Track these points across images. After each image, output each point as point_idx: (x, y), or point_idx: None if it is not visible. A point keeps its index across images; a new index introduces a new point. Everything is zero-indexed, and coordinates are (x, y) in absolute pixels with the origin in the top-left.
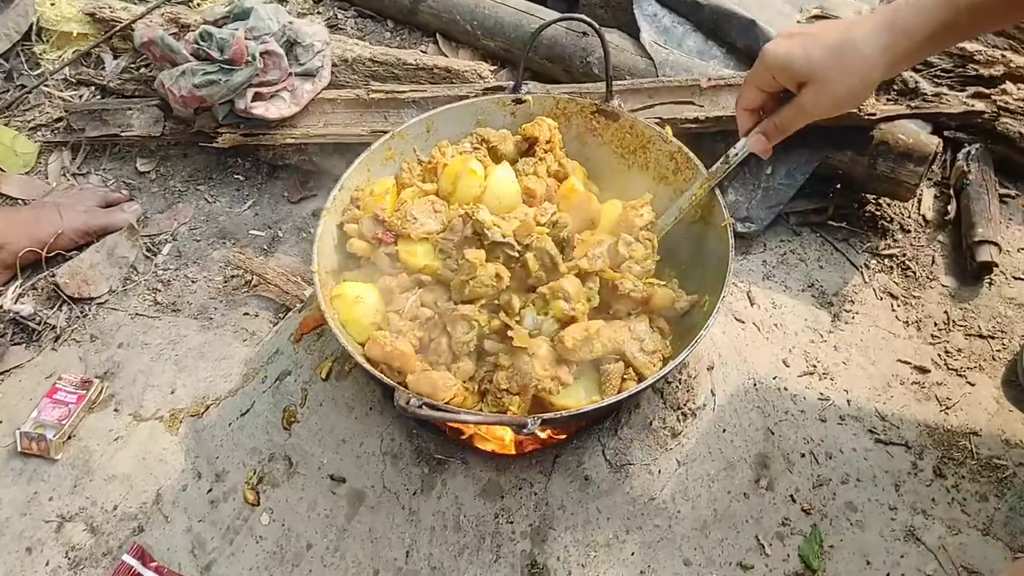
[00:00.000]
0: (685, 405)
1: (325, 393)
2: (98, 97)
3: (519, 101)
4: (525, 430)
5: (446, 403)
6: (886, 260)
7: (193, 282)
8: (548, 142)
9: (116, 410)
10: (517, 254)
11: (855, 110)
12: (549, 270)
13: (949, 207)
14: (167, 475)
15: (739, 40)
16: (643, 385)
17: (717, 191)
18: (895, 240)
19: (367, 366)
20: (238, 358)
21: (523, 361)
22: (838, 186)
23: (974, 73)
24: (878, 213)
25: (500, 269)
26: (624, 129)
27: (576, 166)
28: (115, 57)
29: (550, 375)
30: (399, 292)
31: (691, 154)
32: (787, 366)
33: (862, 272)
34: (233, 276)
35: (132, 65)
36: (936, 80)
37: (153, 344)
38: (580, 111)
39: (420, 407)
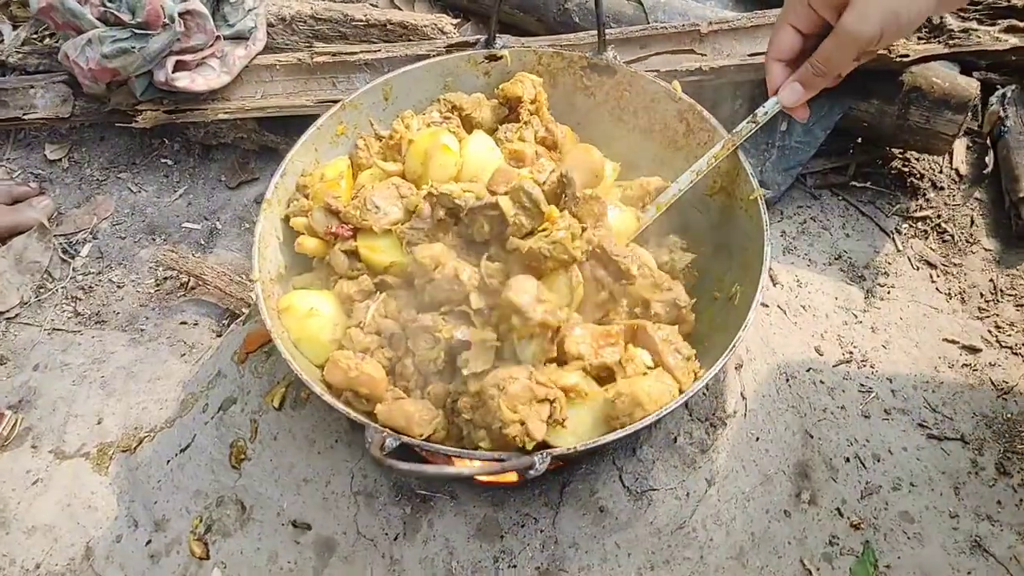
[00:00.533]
0: (714, 414)
1: (279, 424)
2: None
3: (494, 58)
4: (532, 472)
5: (424, 438)
6: (919, 223)
7: (119, 287)
8: (533, 102)
9: (34, 446)
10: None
11: (884, 51)
12: (532, 215)
13: (986, 159)
14: (97, 524)
15: None
16: (684, 398)
17: (742, 156)
18: (927, 200)
19: (328, 397)
20: (175, 378)
21: (488, 395)
22: (859, 141)
23: (1005, 4)
24: (906, 169)
25: (460, 267)
26: (622, 86)
27: (567, 131)
28: (14, 27)
29: (518, 419)
30: (360, 299)
31: (705, 113)
32: (820, 354)
33: (893, 238)
34: (166, 278)
35: (34, 36)
36: (962, 15)
37: (75, 364)
38: (568, 67)
39: (396, 447)
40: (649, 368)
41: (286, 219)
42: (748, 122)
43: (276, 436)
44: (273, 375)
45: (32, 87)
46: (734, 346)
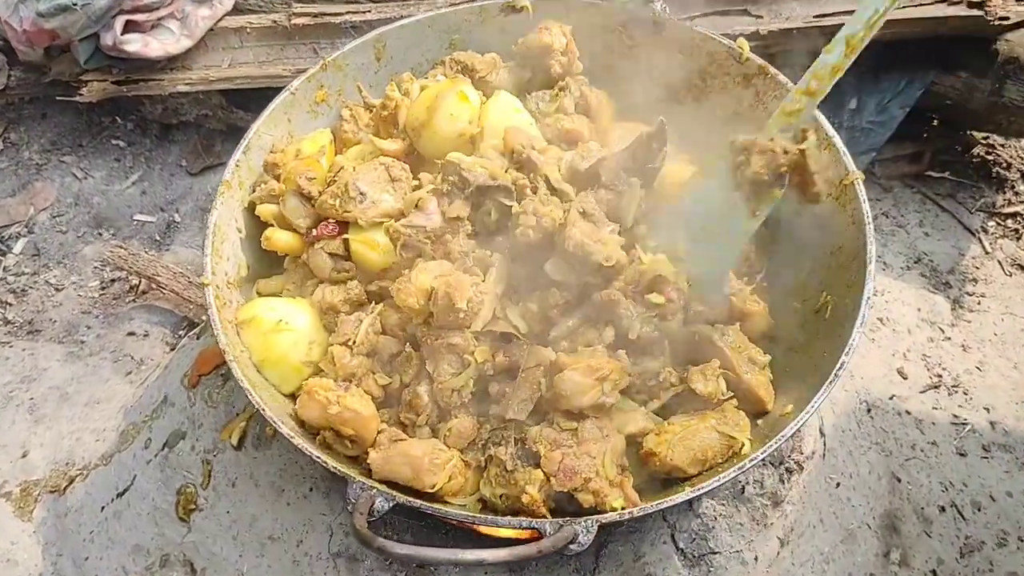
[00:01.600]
0: (790, 456)
1: (239, 467)
2: None
3: (513, 8)
4: (574, 546)
5: (435, 491)
6: (1009, 221)
7: (58, 290)
8: (564, 54)
9: None
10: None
11: (980, 12)
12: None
13: None
14: None
15: None
16: (747, 464)
17: (830, 128)
18: (1017, 193)
19: (299, 440)
20: (117, 402)
21: (587, 449)
22: (934, 123)
23: None
24: (990, 157)
25: (463, 291)
26: (672, 45)
27: (603, 97)
28: None
29: (617, 480)
30: (347, 311)
31: (781, 76)
32: (904, 378)
33: (980, 239)
34: (113, 280)
35: None
36: None
37: None
38: (604, 22)
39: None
40: (723, 395)
41: (251, 207)
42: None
43: (234, 482)
44: (231, 404)
45: None
46: (835, 377)
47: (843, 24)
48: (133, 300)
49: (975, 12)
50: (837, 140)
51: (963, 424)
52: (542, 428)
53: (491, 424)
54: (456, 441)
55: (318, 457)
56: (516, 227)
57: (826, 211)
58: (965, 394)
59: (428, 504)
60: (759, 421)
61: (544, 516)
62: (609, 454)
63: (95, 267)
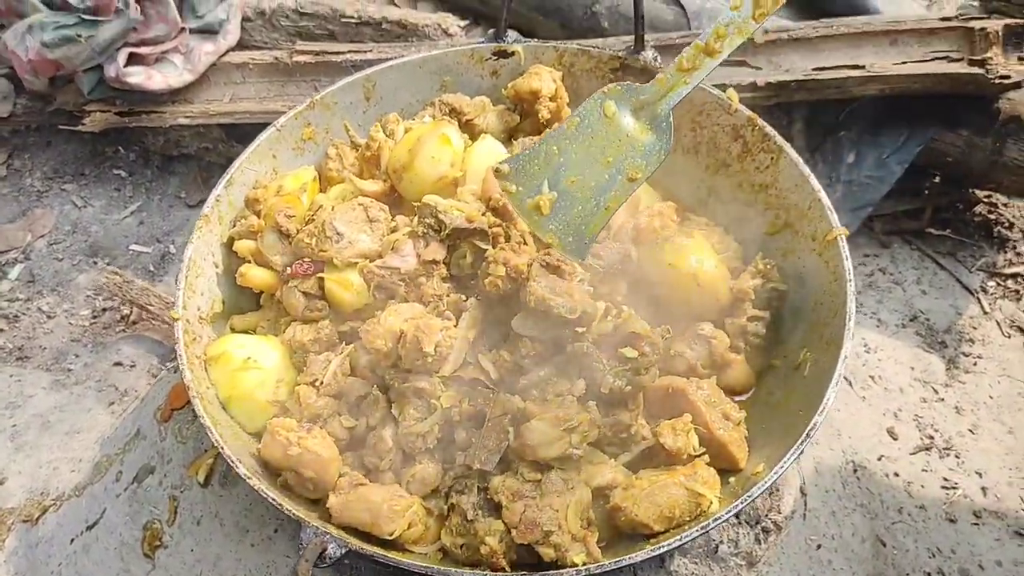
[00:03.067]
0: (767, 516)
1: (204, 505)
2: None
3: (503, 54)
4: None
5: (393, 538)
6: (1009, 281)
7: (50, 317)
8: (552, 99)
9: None
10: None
11: (981, 71)
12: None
13: None
14: None
15: None
16: (712, 524)
17: (816, 184)
18: (1018, 254)
19: (255, 481)
20: (96, 432)
21: (550, 502)
22: (936, 179)
23: None
24: (992, 216)
25: (430, 336)
26: None
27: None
28: None
29: (580, 534)
30: (317, 350)
31: (768, 128)
32: (895, 438)
33: (979, 298)
34: (105, 309)
35: None
36: None
37: None
38: (595, 68)
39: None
40: (694, 451)
41: (230, 242)
42: None
43: (199, 520)
44: (200, 441)
45: None
46: (807, 437)
47: (843, 78)
48: (123, 330)
49: (976, 70)
50: (822, 195)
51: (954, 488)
52: (505, 478)
53: (455, 471)
54: (419, 488)
55: (272, 499)
56: (486, 276)
57: (811, 266)
58: (957, 457)
59: (381, 553)
60: (731, 479)
61: (503, 569)
62: (573, 507)
63: (87, 295)
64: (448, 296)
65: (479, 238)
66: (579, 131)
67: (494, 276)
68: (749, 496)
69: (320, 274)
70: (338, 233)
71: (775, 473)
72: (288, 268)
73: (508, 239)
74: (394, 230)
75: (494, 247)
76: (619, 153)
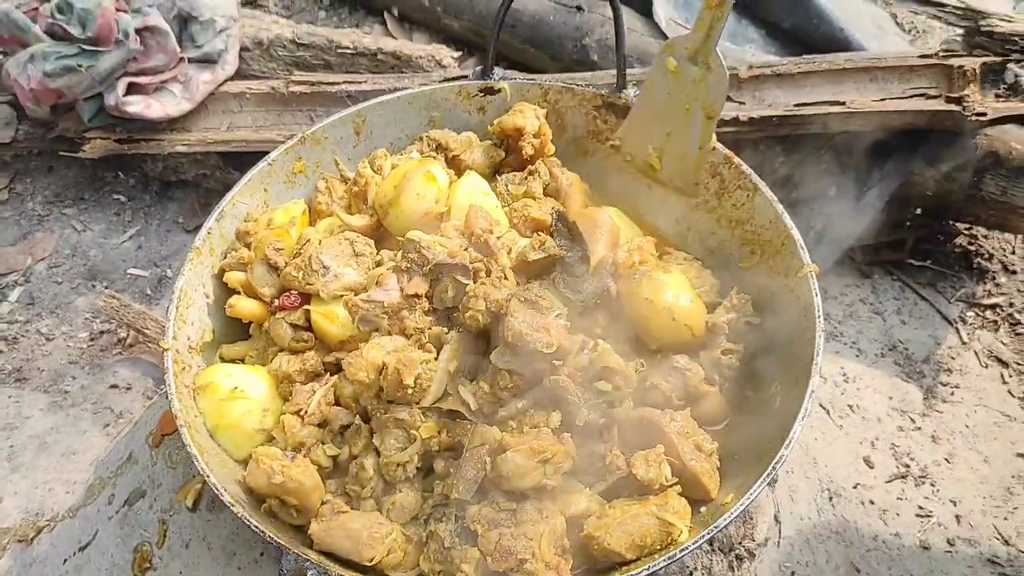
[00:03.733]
0: (740, 543)
1: (192, 529)
2: None
3: (490, 90)
4: None
5: (373, 564)
6: (988, 312)
7: (48, 340)
8: (537, 136)
9: None
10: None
11: (958, 108)
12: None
13: None
14: None
15: (785, 19)
16: (678, 553)
17: (789, 221)
18: (997, 285)
19: (237, 509)
20: (91, 454)
21: (524, 531)
22: (917, 212)
23: None
24: (972, 248)
25: (392, 359)
26: None
27: (574, 180)
28: None
29: (554, 562)
30: (302, 380)
31: (745, 166)
32: (871, 467)
33: (958, 329)
34: (103, 332)
35: None
36: None
37: None
38: (579, 105)
39: None
40: (667, 481)
41: (220, 274)
42: None
43: (188, 543)
44: (189, 467)
45: None
46: (772, 470)
47: (825, 114)
48: (119, 353)
49: (953, 107)
50: (794, 232)
51: (928, 516)
52: (481, 507)
53: (434, 500)
54: (399, 515)
55: (256, 526)
56: (466, 311)
57: (783, 301)
58: (932, 486)
59: None
60: (702, 508)
61: None
62: (547, 536)
63: (86, 318)
64: (430, 329)
65: (460, 273)
66: (656, 91)
67: (474, 310)
68: (716, 527)
69: (307, 306)
70: (324, 266)
71: (741, 504)
72: (276, 300)
73: (489, 273)
74: (379, 264)
75: (475, 282)
76: (693, 98)
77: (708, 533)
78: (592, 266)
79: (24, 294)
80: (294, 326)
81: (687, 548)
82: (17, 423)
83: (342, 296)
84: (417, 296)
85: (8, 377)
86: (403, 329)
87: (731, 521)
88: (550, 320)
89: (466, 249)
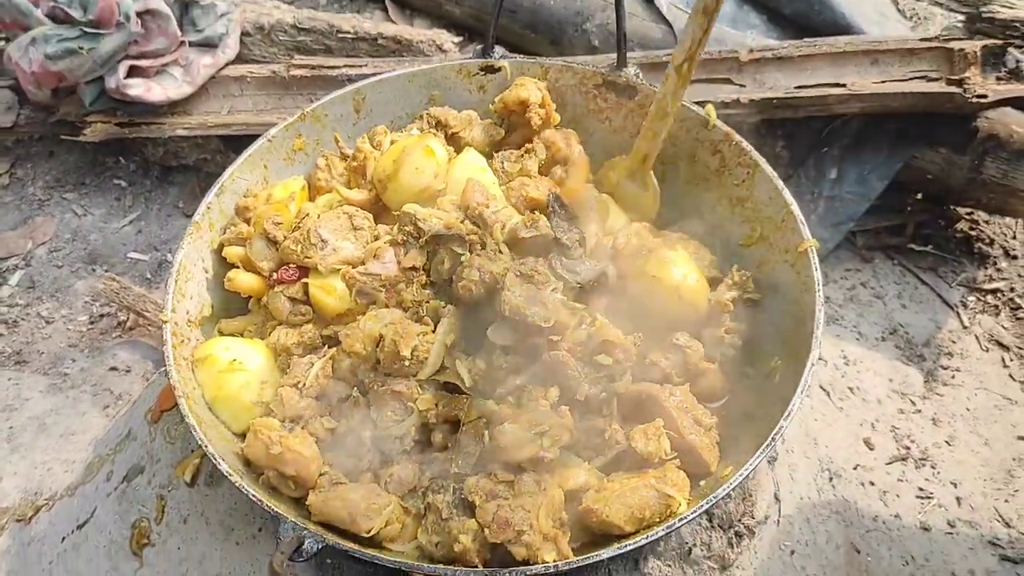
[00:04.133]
0: (740, 520)
1: (191, 504)
2: None
3: (490, 69)
4: None
5: (371, 535)
6: (989, 297)
7: (48, 323)
8: (542, 106)
9: None
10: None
11: (958, 90)
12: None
13: None
14: None
15: (786, 5)
16: (676, 524)
17: (789, 197)
18: (998, 269)
19: (236, 478)
20: (90, 434)
21: (522, 503)
22: (919, 196)
23: None
24: (973, 233)
25: (389, 331)
26: (644, 109)
27: (579, 153)
28: None
29: (552, 534)
30: (300, 354)
31: (745, 143)
32: (871, 448)
33: (958, 313)
34: (102, 315)
35: None
36: None
37: None
38: (580, 84)
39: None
40: (666, 455)
41: (220, 248)
42: None
43: (186, 519)
44: (187, 442)
45: None
46: (771, 441)
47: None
48: (119, 336)
49: (953, 90)
50: (794, 207)
51: (928, 498)
52: (479, 478)
53: (432, 471)
54: (396, 487)
55: (253, 495)
56: (460, 280)
57: (784, 277)
58: (932, 468)
59: (357, 548)
60: (701, 483)
61: (475, 566)
62: (545, 508)
63: (85, 301)
64: (428, 302)
65: (456, 244)
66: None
67: (468, 280)
68: (714, 496)
69: (305, 280)
70: (323, 240)
71: (740, 475)
72: (274, 274)
73: (484, 247)
74: (377, 238)
75: (471, 253)
76: (631, 208)
77: (706, 503)
78: (589, 248)
79: (25, 278)
80: (292, 299)
81: (685, 518)
82: (17, 405)
83: (340, 269)
84: (414, 269)
85: (8, 360)
86: (400, 302)
87: (729, 491)
88: (546, 294)
89: (462, 221)
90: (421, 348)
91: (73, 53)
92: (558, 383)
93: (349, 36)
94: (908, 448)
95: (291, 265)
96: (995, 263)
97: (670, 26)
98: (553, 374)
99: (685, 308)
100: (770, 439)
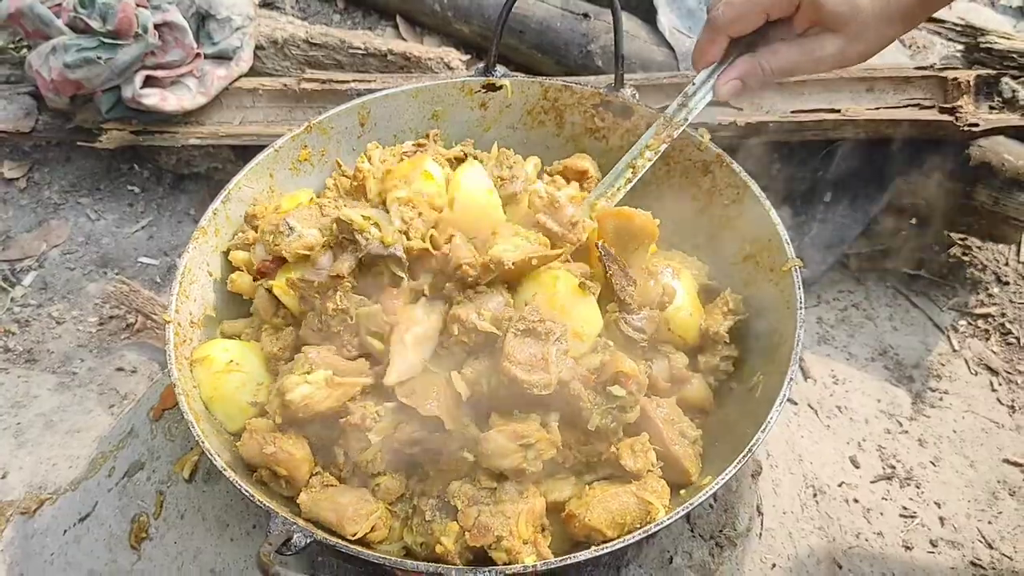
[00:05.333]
0: (721, 532)
1: (188, 500)
2: None
3: (492, 87)
4: None
5: (355, 539)
6: (980, 321)
7: (59, 323)
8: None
9: None
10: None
11: (950, 118)
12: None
13: None
14: None
15: None
16: (654, 527)
17: (776, 218)
18: (990, 295)
19: (230, 473)
20: (95, 432)
21: (503, 509)
22: (912, 221)
23: None
24: (966, 259)
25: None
26: (639, 129)
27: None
28: None
29: (532, 539)
30: (286, 359)
31: (735, 165)
32: (856, 467)
33: (949, 337)
34: (112, 317)
35: (11, 45)
36: None
37: None
38: (578, 103)
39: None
40: (652, 467)
41: (225, 254)
42: (679, 106)
43: (183, 514)
44: (187, 439)
45: None
46: (749, 452)
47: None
48: (127, 337)
49: (946, 117)
50: (780, 228)
51: (912, 517)
52: (463, 483)
53: (419, 476)
54: (384, 495)
55: (246, 490)
56: (450, 334)
57: (769, 295)
58: (917, 487)
59: (343, 543)
60: (681, 492)
61: (456, 565)
62: (525, 515)
63: (96, 303)
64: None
65: (395, 265)
66: None
67: (457, 337)
68: (691, 503)
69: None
70: (290, 228)
71: (717, 482)
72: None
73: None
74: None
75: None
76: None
77: (684, 508)
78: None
79: (38, 279)
80: (274, 299)
81: (663, 522)
82: (25, 402)
83: (306, 255)
84: (339, 277)
85: (19, 358)
86: (323, 311)
87: (708, 499)
88: (549, 347)
89: (406, 232)
90: (368, 415)
91: (91, 62)
92: (571, 413)
93: (360, 52)
94: (894, 467)
95: (271, 257)
96: (987, 288)
97: (672, 49)
98: (567, 405)
99: (672, 338)
100: (747, 449)
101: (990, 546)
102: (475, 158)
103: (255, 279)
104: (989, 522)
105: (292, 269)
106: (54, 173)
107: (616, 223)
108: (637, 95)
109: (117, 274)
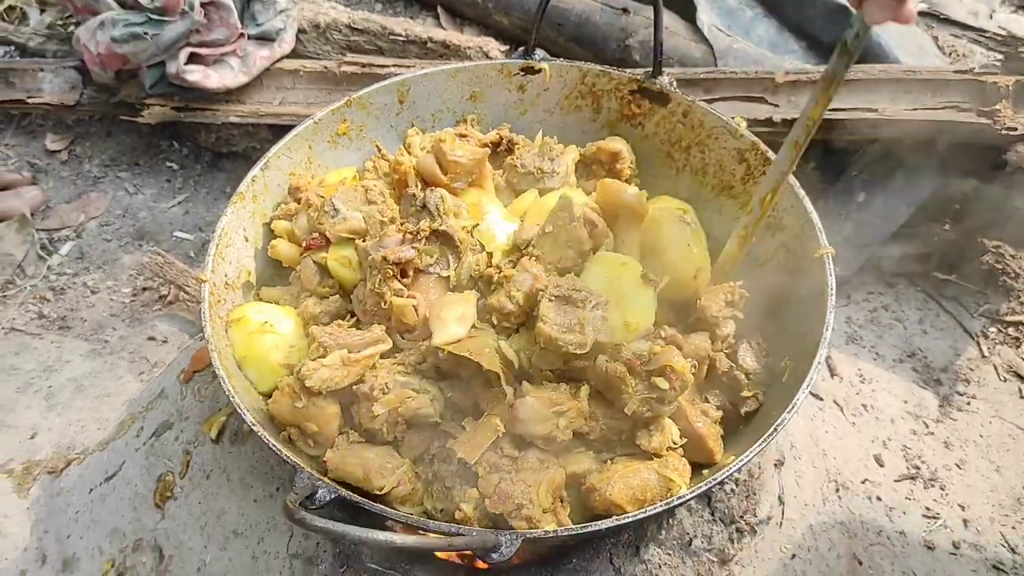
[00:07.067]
0: (742, 517)
1: (214, 460)
2: (16, 57)
3: (531, 70)
4: (495, 555)
5: (382, 493)
6: (1010, 329)
7: (93, 292)
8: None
9: None
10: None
11: (988, 122)
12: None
13: None
14: (3, 553)
15: (825, 32)
16: (676, 501)
17: (810, 206)
18: (1022, 303)
19: (259, 429)
20: (124, 397)
21: (524, 477)
22: (946, 227)
23: None
24: (999, 266)
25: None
26: (675, 116)
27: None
28: (41, 11)
29: (551, 507)
30: (326, 321)
31: (771, 152)
32: (881, 465)
33: (979, 342)
34: (145, 288)
35: (60, 22)
36: None
37: (24, 370)
38: (615, 89)
39: (330, 502)
40: (674, 444)
41: (266, 223)
42: (839, 54)
43: (209, 474)
44: (216, 400)
45: (42, 70)
46: (774, 431)
47: (856, 119)
48: (159, 308)
49: (984, 121)
50: (814, 216)
51: (935, 518)
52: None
53: (439, 439)
54: (408, 451)
55: (273, 445)
56: (490, 322)
57: (801, 282)
58: (942, 489)
59: (366, 500)
60: (704, 471)
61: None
62: (546, 484)
63: (130, 274)
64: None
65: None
66: None
67: (500, 325)
68: (714, 479)
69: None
70: (335, 209)
71: (741, 461)
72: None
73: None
74: (392, 220)
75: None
76: None
77: (705, 485)
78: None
79: (75, 249)
80: (320, 268)
81: (685, 496)
82: (57, 366)
83: (352, 240)
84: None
85: (52, 324)
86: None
87: (729, 478)
88: (586, 313)
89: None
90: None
91: (138, 38)
92: (609, 392)
93: (400, 39)
94: (918, 468)
95: (318, 233)
96: (1019, 296)
97: (711, 46)
98: (608, 386)
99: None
100: (772, 428)
101: (1013, 550)
102: (512, 142)
103: (302, 254)
104: (1013, 527)
105: (341, 248)
106: (95, 147)
107: (605, 197)
108: (675, 83)
109: (152, 247)
